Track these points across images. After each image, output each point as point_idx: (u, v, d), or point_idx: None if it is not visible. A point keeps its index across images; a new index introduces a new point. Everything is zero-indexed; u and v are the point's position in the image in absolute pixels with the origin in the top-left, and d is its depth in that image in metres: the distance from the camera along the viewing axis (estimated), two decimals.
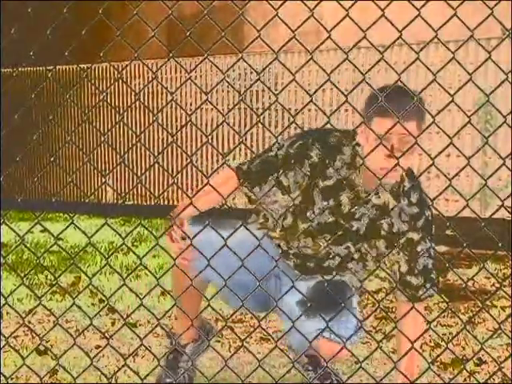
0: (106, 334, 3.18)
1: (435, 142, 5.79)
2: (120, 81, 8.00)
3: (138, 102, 7.88)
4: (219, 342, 3.12)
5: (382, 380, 1.88)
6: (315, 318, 2.03)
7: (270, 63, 1.56)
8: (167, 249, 2.02)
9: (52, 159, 8.62)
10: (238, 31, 7.81)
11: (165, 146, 7.95)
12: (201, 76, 7.71)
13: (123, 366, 1.66)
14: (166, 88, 8.03)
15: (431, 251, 2.18)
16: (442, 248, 5.30)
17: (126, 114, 8.32)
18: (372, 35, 1.57)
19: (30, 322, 3.47)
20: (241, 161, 2.31)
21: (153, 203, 8.20)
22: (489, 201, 5.81)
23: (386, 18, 1.48)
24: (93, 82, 8.44)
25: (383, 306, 3.74)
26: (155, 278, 1.67)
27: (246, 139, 7.24)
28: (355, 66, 1.67)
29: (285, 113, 6.92)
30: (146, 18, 1.52)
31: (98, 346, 3.05)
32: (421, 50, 1.64)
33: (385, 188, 2.10)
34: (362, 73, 1.56)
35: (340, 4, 1.49)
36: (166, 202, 8.05)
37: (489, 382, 2.52)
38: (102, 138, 8.24)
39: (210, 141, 7.48)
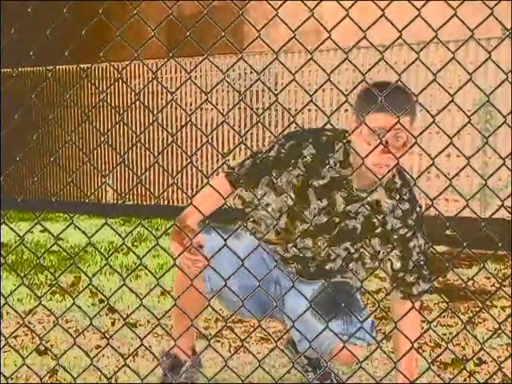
0: (106, 334, 3.18)
1: (435, 142, 5.79)
2: (120, 81, 8.00)
3: (138, 102, 7.88)
4: (219, 342, 3.12)
5: (382, 380, 1.88)
6: (329, 321, 2.02)
7: (270, 63, 1.56)
8: (171, 253, 2.02)
9: (52, 159, 8.62)
10: (237, 31, 7.81)
11: (165, 146, 7.95)
12: (201, 76, 7.71)
13: (123, 365, 1.66)
14: (166, 88, 8.03)
15: (424, 248, 2.18)
16: (442, 248, 5.30)
17: (125, 114, 8.32)
18: (372, 35, 1.57)
19: (29, 322, 3.47)
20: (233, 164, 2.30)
21: (153, 203, 8.20)
22: (489, 201, 5.82)
23: (386, 18, 1.48)
24: (93, 82, 8.44)
25: (383, 306, 3.74)
26: (155, 278, 1.67)
27: (246, 139, 7.24)
28: (355, 66, 1.67)
29: (285, 113, 6.92)
30: (146, 17, 1.52)
31: (98, 346, 3.05)
32: (421, 50, 1.64)
33: (380, 184, 2.09)
34: (361, 73, 1.56)
35: (340, 4, 1.49)
36: (165, 202, 8.06)
37: (489, 382, 2.52)
38: (102, 138, 8.24)
39: (210, 141, 7.48)
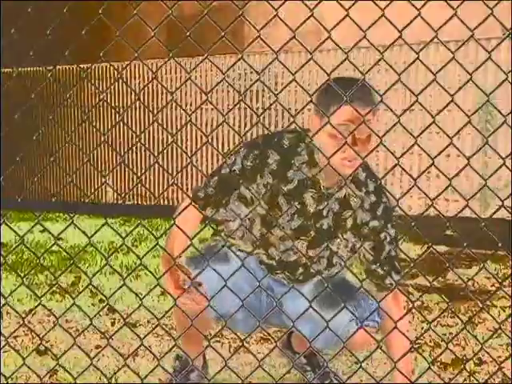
0: (106, 334, 3.18)
1: (435, 142, 5.79)
2: (120, 81, 8.00)
3: (138, 102, 7.88)
4: (219, 342, 3.12)
5: (381, 380, 1.88)
6: (336, 311, 2.03)
7: (270, 63, 1.56)
8: (167, 289, 1.97)
9: (52, 159, 8.61)
10: (238, 31, 7.82)
11: (165, 146, 7.95)
12: (201, 76, 7.71)
13: (123, 366, 1.66)
14: (166, 88, 8.03)
15: (394, 239, 2.19)
16: (442, 248, 5.30)
17: (126, 114, 8.32)
18: (372, 35, 1.57)
19: (29, 322, 3.47)
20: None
21: (153, 203, 8.20)
22: (489, 201, 5.82)
23: (386, 18, 1.48)
24: (93, 82, 8.44)
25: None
26: (155, 278, 1.67)
27: (245, 139, 7.24)
28: (355, 66, 1.67)
29: (285, 113, 6.92)
30: (145, 18, 1.52)
31: (98, 346, 3.05)
32: (421, 50, 1.64)
33: (348, 179, 2.08)
34: (361, 73, 1.56)
35: (340, 4, 1.49)
36: (165, 202, 8.06)
37: (489, 382, 2.52)
38: (102, 138, 8.24)
39: (209, 141, 7.48)
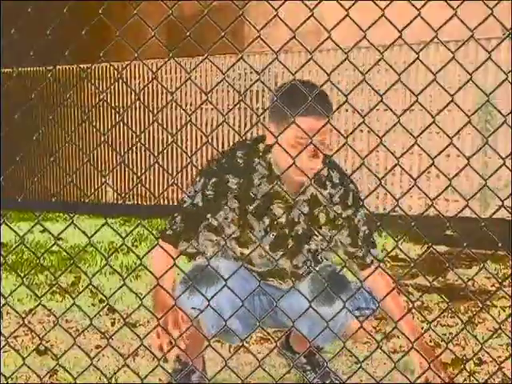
0: (106, 334, 3.18)
1: (435, 142, 5.79)
2: (120, 81, 8.00)
3: (138, 102, 7.88)
4: (219, 342, 3.12)
5: (381, 380, 1.88)
6: (334, 303, 2.03)
7: (270, 63, 1.56)
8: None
9: (52, 159, 8.61)
10: (238, 31, 7.82)
11: (165, 146, 7.95)
12: (201, 76, 7.71)
13: (123, 365, 1.66)
14: (166, 88, 8.03)
15: (366, 218, 2.22)
16: (442, 248, 5.30)
17: (126, 114, 8.32)
18: (372, 35, 1.56)
19: (29, 322, 3.47)
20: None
21: (153, 203, 8.20)
22: (489, 201, 5.82)
23: (386, 18, 1.48)
24: (93, 82, 8.44)
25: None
26: (155, 277, 1.67)
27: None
28: (355, 66, 1.67)
29: None
30: (146, 18, 1.52)
31: (98, 346, 3.05)
32: (421, 50, 1.64)
33: (311, 179, 2.08)
34: (361, 73, 1.55)
35: (340, 4, 1.49)
36: (165, 202, 8.05)
37: (489, 382, 2.52)
38: (102, 138, 8.24)
39: (209, 141, 7.48)
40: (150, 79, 8.24)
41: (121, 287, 1.67)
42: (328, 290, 2.02)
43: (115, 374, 1.84)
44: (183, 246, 2.11)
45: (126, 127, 8.31)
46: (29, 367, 1.75)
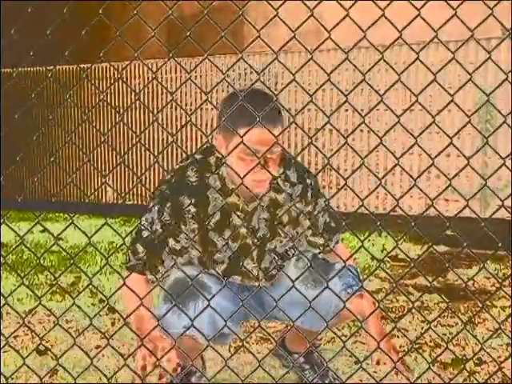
0: (106, 334, 3.18)
1: (435, 142, 5.80)
2: (120, 81, 8.00)
3: (137, 102, 7.88)
4: None
5: (381, 380, 1.88)
6: (324, 285, 2.03)
7: (270, 63, 1.56)
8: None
9: (52, 159, 8.61)
10: (238, 31, 7.81)
11: (165, 146, 7.95)
12: (201, 76, 7.71)
13: (123, 365, 1.66)
14: (166, 88, 8.03)
15: (326, 206, 2.23)
16: (442, 248, 5.30)
17: (125, 114, 8.32)
18: (372, 35, 1.57)
19: (29, 322, 3.47)
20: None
21: None
22: (489, 201, 5.82)
23: (386, 18, 1.48)
24: (93, 82, 8.44)
25: (383, 305, 3.74)
26: (155, 277, 1.67)
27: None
28: (355, 66, 1.67)
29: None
30: (146, 18, 1.52)
31: (97, 346, 3.05)
32: (421, 50, 1.64)
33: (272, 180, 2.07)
34: (361, 73, 1.56)
35: (340, 4, 1.49)
36: None
37: (489, 382, 2.52)
38: (102, 138, 8.24)
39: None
40: (150, 79, 8.24)
41: (121, 287, 1.67)
42: (316, 274, 2.01)
43: (115, 373, 1.84)
44: (149, 274, 2.08)
45: (125, 127, 8.31)
46: (29, 367, 1.75)
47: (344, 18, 1.47)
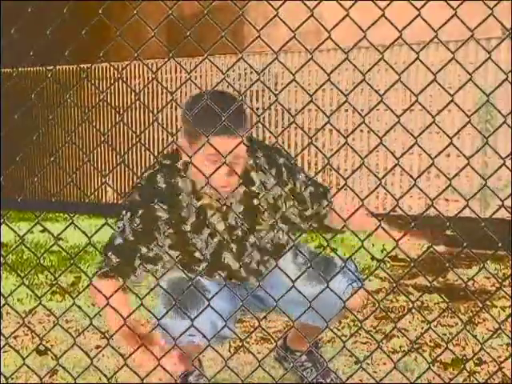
0: (106, 334, 3.18)
1: (435, 142, 5.79)
2: (120, 81, 8.00)
3: (137, 102, 7.88)
4: None
5: (382, 380, 1.88)
6: (330, 281, 2.03)
7: (270, 63, 1.56)
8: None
9: (52, 159, 8.61)
10: (238, 31, 7.82)
11: (165, 146, 7.94)
12: (201, 76, 7.71)
13: (123, 365, 1.66)
14: (166, 88, 8.02)
15: (306, 178, 2.23)
16: (442, 248, 5.28)
17: (125, 114, 8.32)
18: (372, 35, 1.57)
19: (29, 322, 3.47)
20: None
21: None
22: (489, 201, 5.82)
23: (386, 18, 1.48)
24: (93, 82, 8.44)
25: (383, 305, 3.74)
26: (155, 277, 1.67)
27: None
28: (355, 66, 1.67)
29: (285, 113, 6.92)
30: (145, 18, 1.52)
31: (98, 346, 3.05)
32: (421, 50, 1.64)
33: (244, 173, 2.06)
34: (361, 73, 1.56)
35: (340, 4, 1.49)
36: None
37: (489, 382, 2.52)
38: (102, 138, 8.24)
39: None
40: (150, 79, 8.24)
41: (121, 287, 1.67)
42: (317, 271, 2.00)
43: (115, 374, 1.84)
44: (121, 281, 2.04)
45: (125, 127, 8.31)
46: (29, 367, 1.75)
47: (344, 18, 1.47)
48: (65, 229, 1.62)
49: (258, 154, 2.15)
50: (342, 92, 1.56)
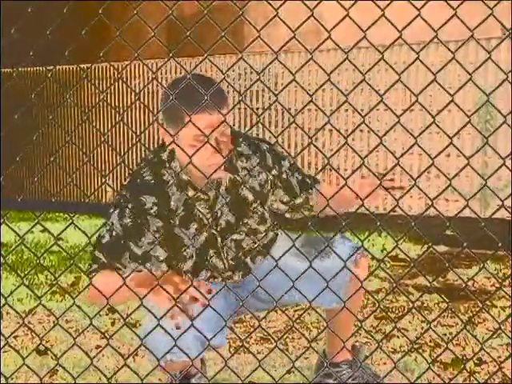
0: (106, 334, 3.18)
1: (435, 142, 5.80)
2: (120, 81, 8.00)
3: (137, 102, 7.88)
4: None
5: (381, 380, 1.88)
6: (329, 257, 2.01)
7: (270, 63, 1.56)
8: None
9: (52, 159, 8.62)
10: (238, 31, 7.82)
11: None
12: None
13: (123, 365, 1.66)
14: (166, 88, 8.02)
15: (291, 166, 2.22)
16: (442, 248, 5.30)
17: (125, 113, 8.32)
18: (372, 35, 1.57)
19: (29, 322, 3.47)
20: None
21: None
22: (489, 201, 5.82)
23: (386, 18, 1.48)
24: (93, 82, 8.44)
25: (383, 305, 3.74)
26: (155, 277, 1.67)
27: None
28: (355, 66, 1.67)
29: (285, 113, 6.92)
30: (146, 18, 1.52)
31: (98, 346, 3.05)
32: (421, 50, 1.64)
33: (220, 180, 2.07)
34: (361, 73, 1.56)
35: (340, 4, 1.49)
36: None
37: (489, 382, 2.52)
38: (102, 138, 8.24)
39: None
40: (150, 79, 8.24)
41: (121, 287, 1.67)
42: (318, 246, 1.99)
43: (115, 374, 1.84)
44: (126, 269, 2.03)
45: (126, 127, 8.31)
46: (29, 367, 1.75)
47: (344, 18, 1.47)
48: (65, 229, 1.62)
49: (240, 143, 2.15)
50: (341, 92, 1.56)
